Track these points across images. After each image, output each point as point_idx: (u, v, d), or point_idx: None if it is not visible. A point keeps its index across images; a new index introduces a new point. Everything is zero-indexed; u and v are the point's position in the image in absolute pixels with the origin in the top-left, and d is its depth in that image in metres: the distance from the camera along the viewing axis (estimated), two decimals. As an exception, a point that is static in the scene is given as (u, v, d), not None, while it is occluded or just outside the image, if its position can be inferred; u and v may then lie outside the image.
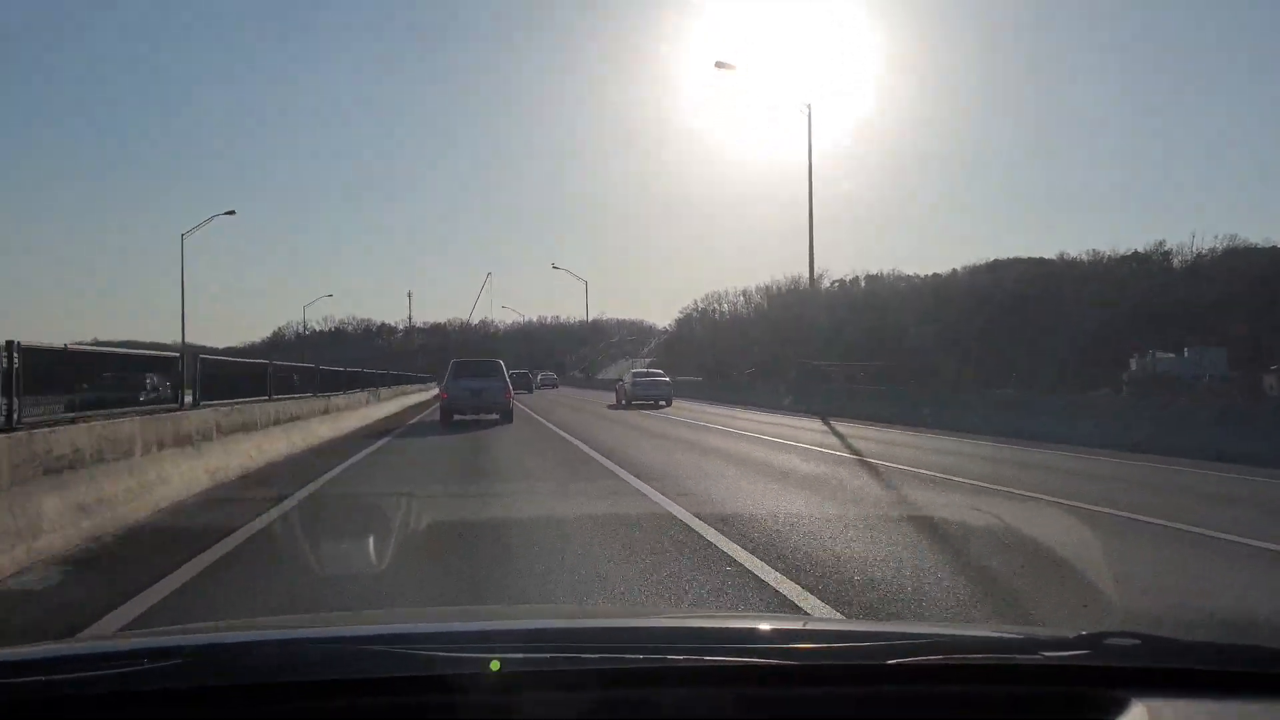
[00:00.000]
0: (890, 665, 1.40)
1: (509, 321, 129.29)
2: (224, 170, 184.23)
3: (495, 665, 1.30)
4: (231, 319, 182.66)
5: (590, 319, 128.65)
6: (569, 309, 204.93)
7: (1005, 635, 1.86)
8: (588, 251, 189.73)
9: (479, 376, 22.45)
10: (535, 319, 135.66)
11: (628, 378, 35.83)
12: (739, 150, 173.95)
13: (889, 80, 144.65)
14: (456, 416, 21.81)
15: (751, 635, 1.77)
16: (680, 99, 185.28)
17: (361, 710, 1.31)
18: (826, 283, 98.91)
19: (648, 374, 36.16)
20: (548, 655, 1.40)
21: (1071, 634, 1.51)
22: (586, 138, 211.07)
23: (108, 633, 4.17)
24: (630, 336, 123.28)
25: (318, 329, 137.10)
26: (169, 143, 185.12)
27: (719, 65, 32.00)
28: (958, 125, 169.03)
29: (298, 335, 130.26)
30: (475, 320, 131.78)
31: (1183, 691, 1.40)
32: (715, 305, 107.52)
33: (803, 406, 28.89)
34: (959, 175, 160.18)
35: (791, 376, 38.67)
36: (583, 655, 1.41)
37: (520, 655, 1.37)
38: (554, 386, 67.91)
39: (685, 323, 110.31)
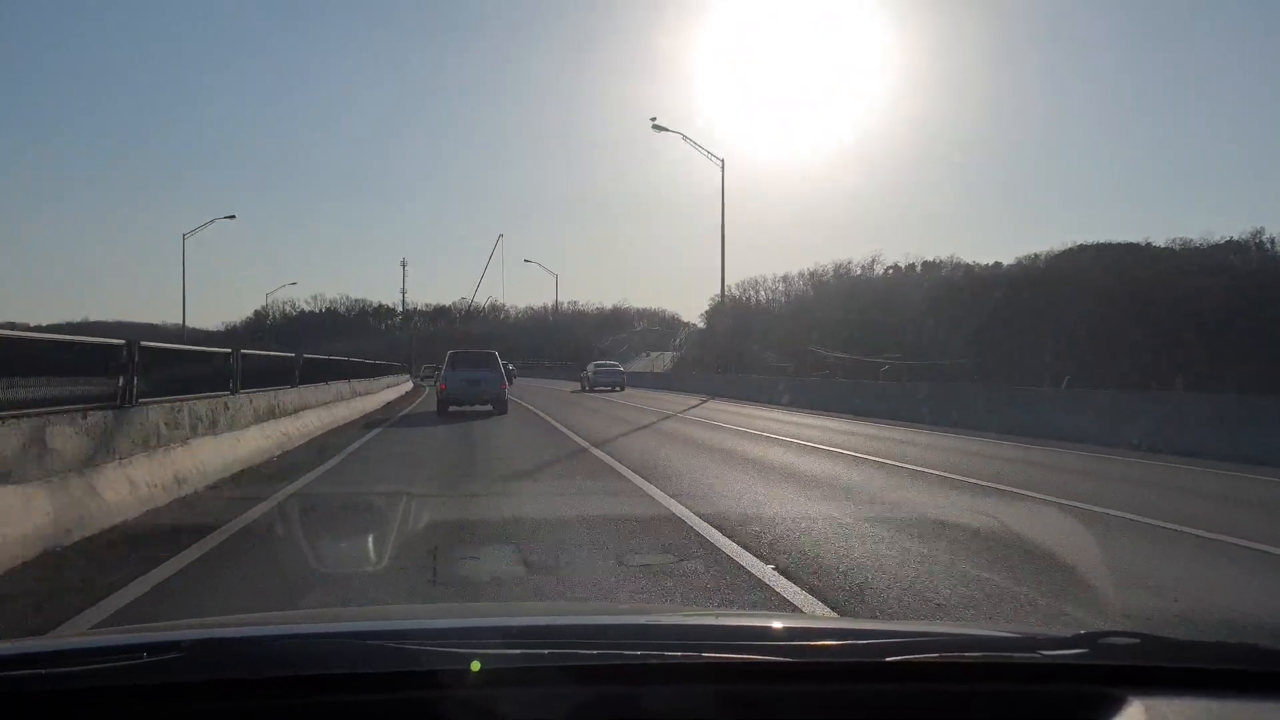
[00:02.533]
0: (889, 663, 1.41)
1: (522, 306, 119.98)
2: (216, 152, 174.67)
3: (476, 666, 1.29)
4: (220, 299, 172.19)
5: (610, 307, 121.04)
6: (586, 295, 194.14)
7: (1004, 634, 1.86)
8: (609, 239, 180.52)
9: (476, 367, 23.08)
10: (549, 305, 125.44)
11: (590, 368, 44.65)
12: (755, 144, 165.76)
13: (948, 68, 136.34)
14: (453, 408, 22.42)
15: (751, 633, 1.81)
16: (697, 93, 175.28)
17: (344, 706, 1.31)
18: (880, 268, 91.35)
19: (606, 365, 46.43)
20: (529, 651, 1.41)
21: (1069, 633, 1.51)
22: (598, 125, 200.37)
23: (106, 628, 4.16)
24: (654, 327, 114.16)
25: (307, 309, 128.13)
26: (169, 125, 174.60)
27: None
28: (1009, 113, 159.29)
29: (284, 315, 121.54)
30: (483, 300, 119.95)
31: (1181, 690, 1.41)
32: (751, 292, 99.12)
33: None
34: (1020, 163, 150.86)
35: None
36: (563, 651, 1.41)
37: (502, 652, 1.38)
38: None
39: (717, 313, 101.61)
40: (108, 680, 1.28)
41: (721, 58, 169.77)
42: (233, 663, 1.36)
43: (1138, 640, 1.48)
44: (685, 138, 38.40)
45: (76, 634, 3.53)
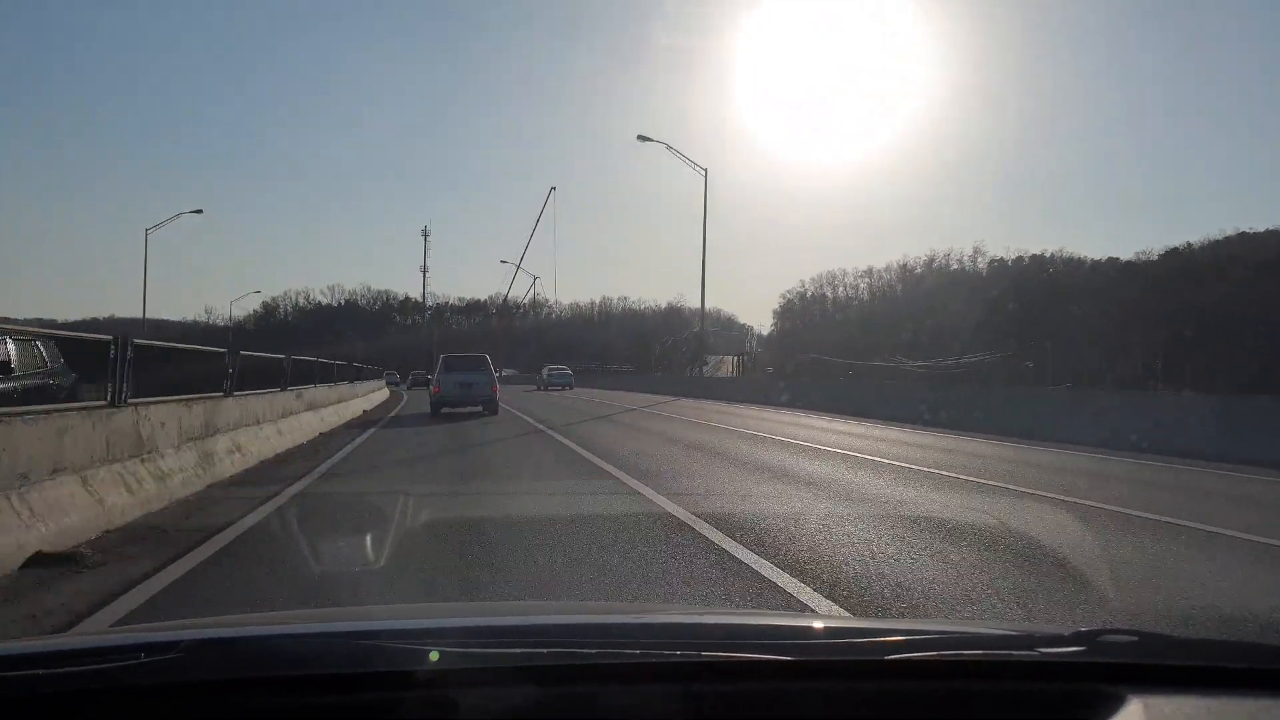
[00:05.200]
0: (888, 661, 1.41)
1: (567, 302, 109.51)
2: (232, 132, 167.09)
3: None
4: (232, 289, 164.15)
5: (665, 305, 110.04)
6: (635, 290, 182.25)
7: (1003, 632, 1.87)
8: (675, 237, 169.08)
9: (467, 371, 23.85)
10: (597, 301, 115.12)
11: (545, 371, 54.44)
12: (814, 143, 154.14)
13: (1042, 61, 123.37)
14: (445, 410, 23.21)
15: (751, 631, 1.80)
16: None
17: (344, 706, 1.31)
18: (980, 262, 79.98)
19: (557, 369, 54.52)
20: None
21: (1068, 631, 1.50)
22: (639, 122, 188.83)
23: (103, 626, 4.17)
24: (714, 328, 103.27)
25: (322, 302, 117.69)
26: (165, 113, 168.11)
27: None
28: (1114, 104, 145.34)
29: (296, 309, 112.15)
30: (523, 293, 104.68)
31: (1180, 688, 1.41)
32: (826, 289, 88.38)
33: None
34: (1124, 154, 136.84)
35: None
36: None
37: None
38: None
39: (787, 313, 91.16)
40: (107, 680, 1.27)
41: (776, 54, 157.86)
42: (232, 663, 1.36)
43: (1136, 638, 1.48)
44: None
45: (76, 634, 3.53)
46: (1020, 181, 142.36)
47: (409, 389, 51.33)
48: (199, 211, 51.36)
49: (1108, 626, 1.55)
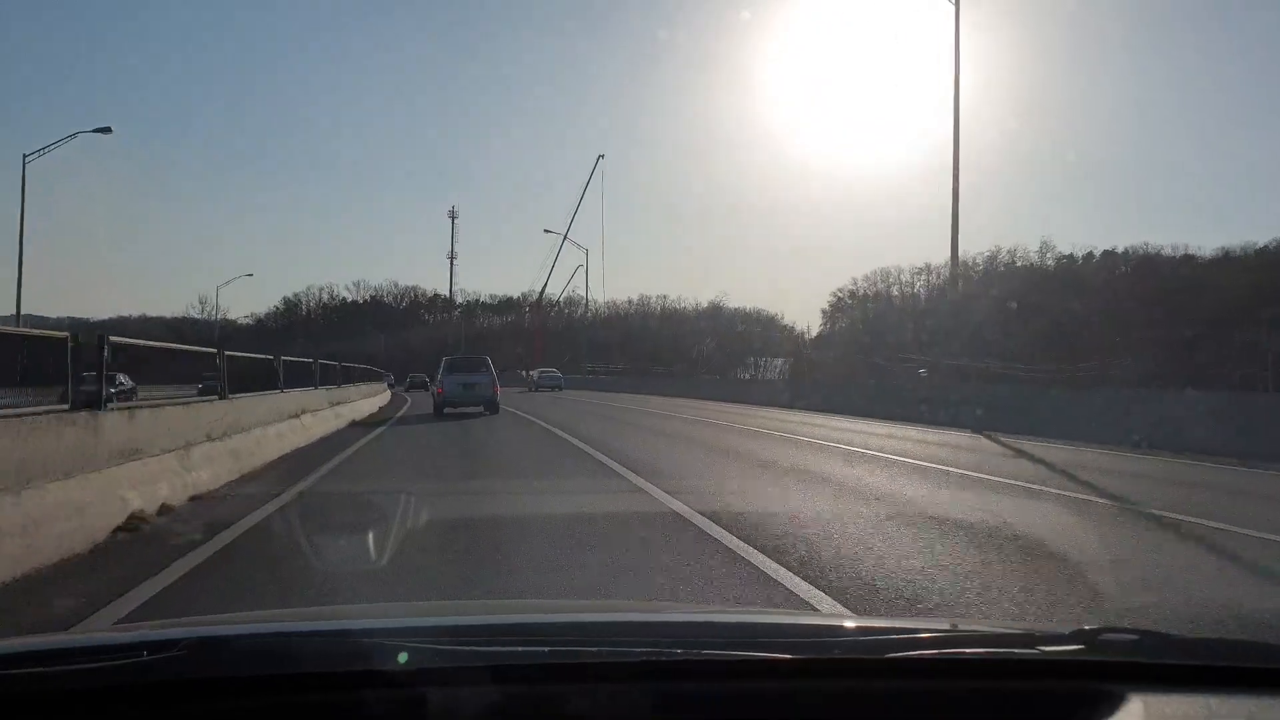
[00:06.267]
0: (888, 660, 1.41)
1: (604, 301, 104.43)
2: (252, 122, 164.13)
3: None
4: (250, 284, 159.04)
5: (706, 304, 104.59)
6: (676, 288, 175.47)
7: (1004, 631, 1.89)
8: (716, 234, 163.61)
9: (469, 372, 24.77)
10: (635, 299, 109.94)
11: (535, 373, 58.52)
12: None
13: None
14: (448, 409, 23.75)
15: (751, 630, 1.78)
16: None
17: (344, 705, 1.30)
18: (1048, 257, 74.68)
19: (546, 372, 58.26)
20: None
21: (1069, 629, 1.49)
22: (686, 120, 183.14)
23: (106, 625, 4.18)
24: (756, 328, 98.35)
25: (346, 298, 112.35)
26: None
27: None
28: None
29: (321, 305, 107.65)
30: (566, 284, 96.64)
31: (1181, 687, 1.41)
32: (880, 285, 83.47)
33: None
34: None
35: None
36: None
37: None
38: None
39: (839, 311, 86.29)
40: (106, 679, 1.26)
41: (821, 51, 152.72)
42: (232, 662, 1.35)
43: (1137, 636, 1.49)
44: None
45: (76, 633, 3.47)
46: (1088, 176, 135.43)
47: (406, 390, 49.52)
48: (108, 129, 38.90)
49: (1109, 625, 1.60)
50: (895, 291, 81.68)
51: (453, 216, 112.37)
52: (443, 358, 26.25)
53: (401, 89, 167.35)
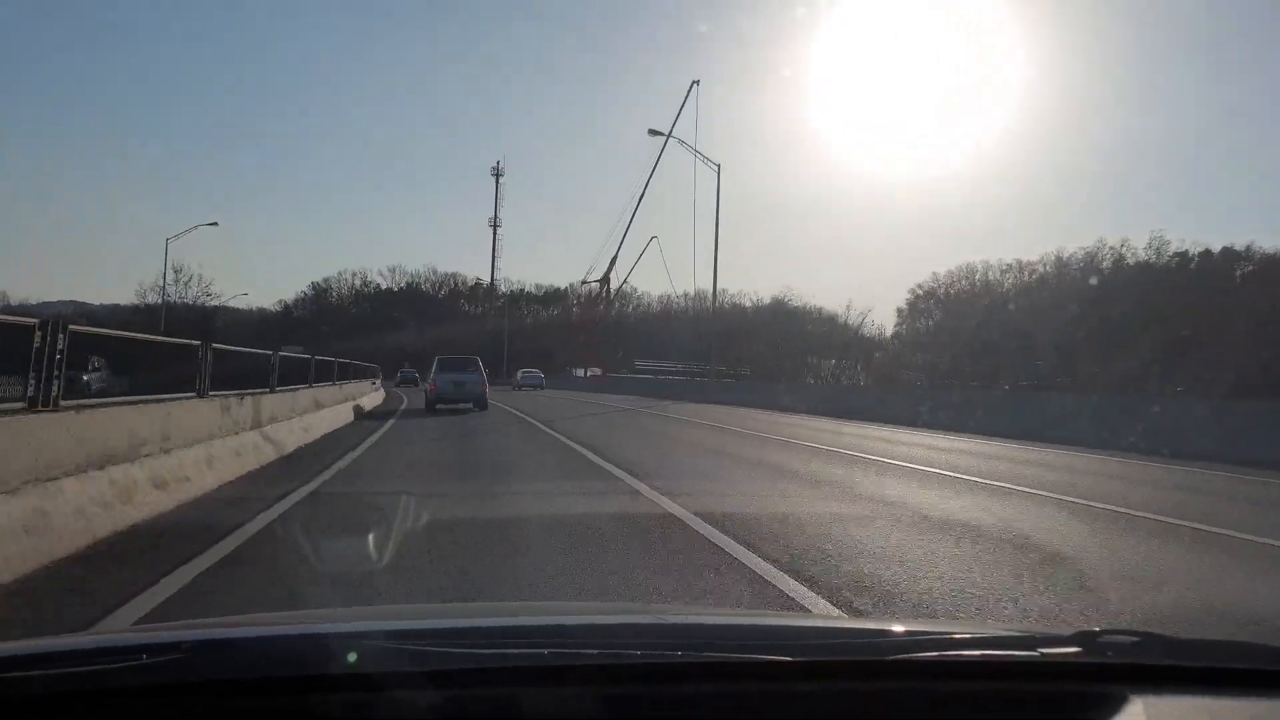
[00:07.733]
0: (888, 661, 1.40)
1: (657, 294, 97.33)
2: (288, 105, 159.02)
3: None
4: (270, 271, 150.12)
5: (770, 299, 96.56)
6: (737, 283, 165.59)
7: (1004, 633, 1.88)
8: (782, 228, 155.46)
9: (460, 371, 25.89)
10: (690, 293, 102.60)
11: (519, 375, 59.65)
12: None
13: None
14: (439, 406, 24.67)
15: (750, 631, 1.77)
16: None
17: (312, 706, 1.28)
18: (1162, 254, 67.08)
19: (529, 372, 59.32)
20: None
21: (1069, 631, 1.51)
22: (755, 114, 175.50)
23: (113, 627, 4.18)
24: (821, 327, 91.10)
25: (381, 285, 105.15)
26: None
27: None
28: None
29: (355, 292, 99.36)
30: (616, 276, 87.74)
31: (1181, 688, 1.40)
32: (964, 282, 76.23)
33: None
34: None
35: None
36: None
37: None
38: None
39: (917, 311, 79.16)
40: (108, 681, 1.26)
41: (894, 48, 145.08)
42: (235, 664, 1.34)
43: (1137, 638, 1.47)
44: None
45: (77, 635, 3.36)
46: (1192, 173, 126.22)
47: (397, 386, 49.01)
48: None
49: (1109, 627, 1.58)
50: (979, 289, 74.31)
51: (497, 175, 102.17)
52: (436, 356, 27.27)
53: (444, 68, 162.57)
